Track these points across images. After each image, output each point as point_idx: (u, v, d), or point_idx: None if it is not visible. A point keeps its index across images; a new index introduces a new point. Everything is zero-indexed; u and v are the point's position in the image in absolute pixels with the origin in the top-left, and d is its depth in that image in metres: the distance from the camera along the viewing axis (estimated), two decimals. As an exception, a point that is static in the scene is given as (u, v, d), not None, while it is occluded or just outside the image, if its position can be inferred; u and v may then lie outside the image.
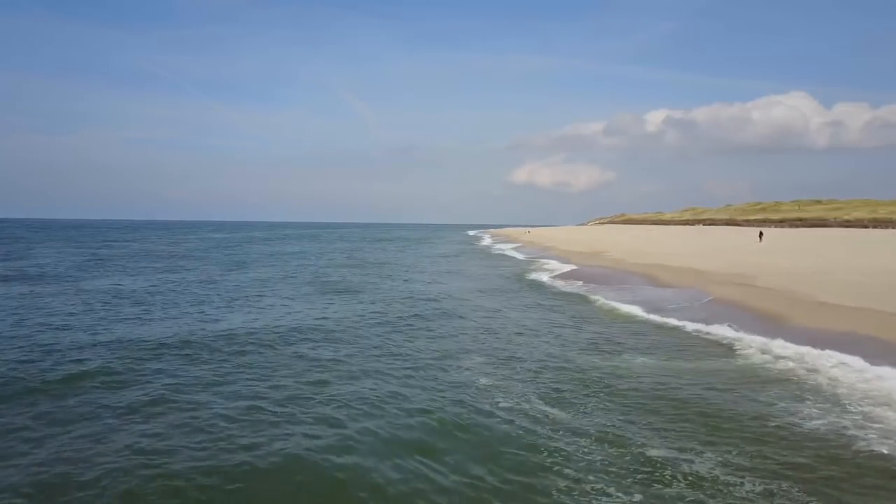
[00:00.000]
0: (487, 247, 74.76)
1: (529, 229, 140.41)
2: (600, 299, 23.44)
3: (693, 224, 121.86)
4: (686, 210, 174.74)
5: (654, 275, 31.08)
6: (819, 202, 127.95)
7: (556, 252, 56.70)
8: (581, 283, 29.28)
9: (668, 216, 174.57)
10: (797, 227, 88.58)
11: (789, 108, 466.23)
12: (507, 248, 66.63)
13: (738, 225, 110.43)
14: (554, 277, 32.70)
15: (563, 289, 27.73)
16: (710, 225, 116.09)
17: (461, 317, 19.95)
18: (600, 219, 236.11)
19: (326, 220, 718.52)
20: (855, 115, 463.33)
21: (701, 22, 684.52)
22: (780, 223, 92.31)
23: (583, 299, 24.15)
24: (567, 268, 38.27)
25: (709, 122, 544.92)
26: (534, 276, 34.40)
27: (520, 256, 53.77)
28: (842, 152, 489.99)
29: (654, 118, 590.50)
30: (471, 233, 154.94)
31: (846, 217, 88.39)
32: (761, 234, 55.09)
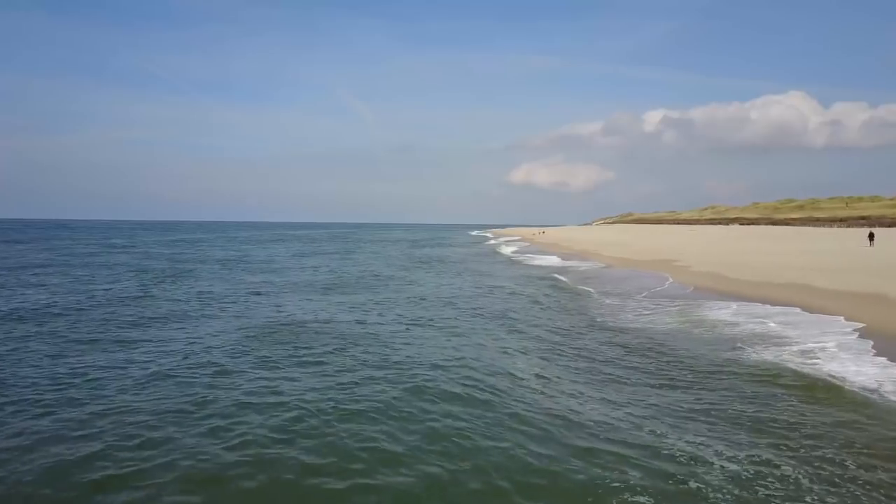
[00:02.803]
0: (518, 254, 62.65)
1: (544, 230, 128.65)
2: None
3: (727, 224, 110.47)
4: (707, 208, 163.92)
5: (820, 305, 19.27)
6: (861, 199, 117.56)
7: (609, 260, 44.96)
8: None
9: (685, 215, 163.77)
10: (864, 226, 77.15)
11: (788, 108, 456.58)
12: (549, 259, 54.97)
13: (779, 224, 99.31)
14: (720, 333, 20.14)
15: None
16: (746, 224, 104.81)
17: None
18: (606, 218, 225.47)
19: (325, 220, 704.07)
20: (853, 115, 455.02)
21: (699, 22, 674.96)
22: (841, 221, 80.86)
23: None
24: (679, 287, 26.00)
25: (706, 121, 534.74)
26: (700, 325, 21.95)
27: (584, 265, 41.02)
28: (840, 152, 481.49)
29: (652, 118, 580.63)
30: (487, 235, 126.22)
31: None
32: (871, 235, 43.36)
